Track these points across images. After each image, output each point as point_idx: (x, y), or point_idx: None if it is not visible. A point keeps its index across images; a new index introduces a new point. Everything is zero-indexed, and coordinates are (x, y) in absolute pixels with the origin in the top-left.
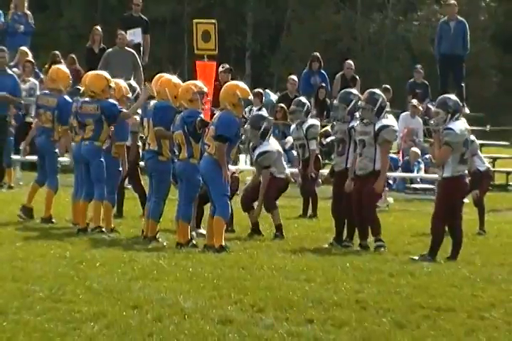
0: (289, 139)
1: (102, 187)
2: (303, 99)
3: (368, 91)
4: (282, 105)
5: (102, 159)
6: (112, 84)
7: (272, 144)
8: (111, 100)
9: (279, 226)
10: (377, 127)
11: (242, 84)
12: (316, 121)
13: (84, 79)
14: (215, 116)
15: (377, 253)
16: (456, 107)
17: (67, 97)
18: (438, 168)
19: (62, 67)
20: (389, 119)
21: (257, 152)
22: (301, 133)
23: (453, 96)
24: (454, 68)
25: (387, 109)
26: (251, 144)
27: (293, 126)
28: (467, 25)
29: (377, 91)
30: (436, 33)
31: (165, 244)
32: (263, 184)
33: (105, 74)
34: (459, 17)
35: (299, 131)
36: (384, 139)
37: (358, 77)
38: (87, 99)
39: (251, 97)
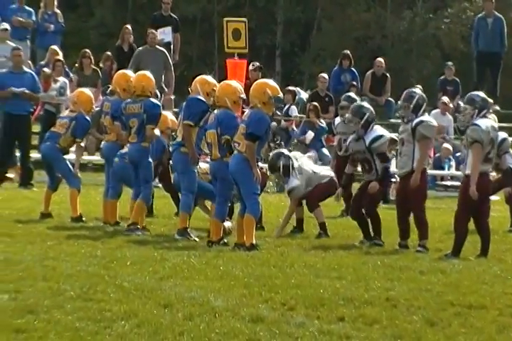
0: (310, 134)
1: (150, 187)
2: (352, 94)
3: (407, 90)
4: (315, 104)
5: (150, 160)
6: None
7: (296, 177)
8: (154, 100)
9: (323, 225)
10: (414, 123)
11: (271, 82)
12: None
13: (121, 78)
14: (245, 113)
15: (408, 251)
16: (483, 104)
17: (87, 116)
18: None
19: (86, 90)
20: (427, 116)
21: (285, 189)
22: (349, 129)
23: (481, 93)
24: (491, 65)
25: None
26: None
27: (338, 120)
28: (504, 22)
29: (416, 90)
30: (474, 29)
31: (196, 239)
32: (289, 213)
33: (151, 76)
34: (496, 13)
35: (347, 127)
36: (421, 134)
37: (388, 75)
38: (129, 99)
39: (281, 95)
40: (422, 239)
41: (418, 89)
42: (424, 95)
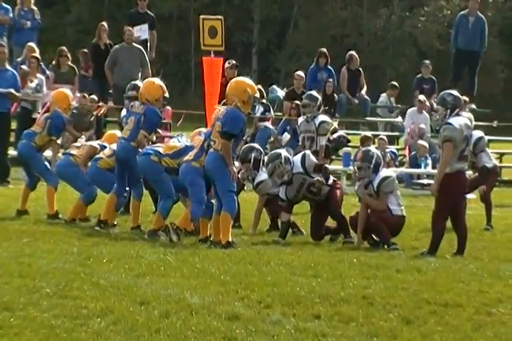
0: (286, 136)
1: (141, 186)
2: (314, 93)
3: (363, 150)
4: (297, 102)
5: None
6: (167, 95)
7: (265, 172)
8: (158, 110)
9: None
10: (375, 185)
11: (249, 81)
12: (327, 118)
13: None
14: (221, 111)
15: (384, 249)
16: (455, 103)
17: (62, 114)
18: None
19: (64, 90)
20: (384, 171)
21: (254, 182)
22: (312, 127)
23: (453, 92)
24: (469, 64)
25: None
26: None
27: (301, 119)
28: (486, 22)
29: (371, 148)
30: (454, 26)
31: (165, 239)
32: (258, 208)
33: (162, 83)
34: (478, 13)
35: (310, 124)
36: (385, 192)
37: (361, 69)
38: (137, 101)
39: (258, 94)
40: (387, 242)
41: (373, 147)
42: (379, 153)
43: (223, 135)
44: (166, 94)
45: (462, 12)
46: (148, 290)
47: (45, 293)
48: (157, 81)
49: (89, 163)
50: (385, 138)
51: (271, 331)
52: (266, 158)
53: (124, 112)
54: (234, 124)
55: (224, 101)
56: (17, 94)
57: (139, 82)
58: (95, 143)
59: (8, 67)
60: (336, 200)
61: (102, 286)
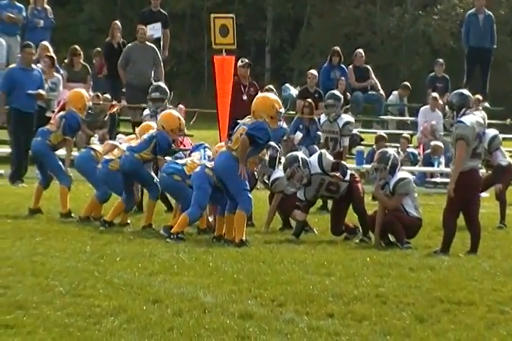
0: (298, 135)
1: (156, 187)
2: (337, 92)
3: (379, 151)
4: (310, 101)
5: (143, 169)
6: (183, 129)
7: (281, 170)
8: (170, 138)
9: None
10: (391, 186)
11: (275, 96)
12: (351, 118)
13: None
14: (248, 120)
15: (397, 248)
16: (462, 102)
17: (76, 114)
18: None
19: (81, 89)
20: (401, 173)
21: (270, 179)
22: (335, 127)
23: (461, 91)
24: (481, 62)
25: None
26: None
27: (324, 119)
28: (494, 19)
29: (388, 149)
30: (464, 25)
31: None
32: (273, 206)
33: (180, 116)
34: (486, 10)
35: (333, 125)
36: (401, 193)
37: (369, 67)
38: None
39: (282, 110)
40: (401, 241)
41: (390, 149)
42: (396, 154)
43: (247, 134)
44: (183, 128)
45: (470, 11)
46: (162, 288)
47: (58, 291)
48: (175, 113)
49: (100, 165)
50: (408, 136)
51: (284, 329)
52: (283, 159)
53: (146, 112)
54: (260, 133)
55: (249, 116)
56: (43, 93)
57: (161, 84)
58: (117, 142)
59: (33, 66)
60: (359, 193)
61: (115, 285)
